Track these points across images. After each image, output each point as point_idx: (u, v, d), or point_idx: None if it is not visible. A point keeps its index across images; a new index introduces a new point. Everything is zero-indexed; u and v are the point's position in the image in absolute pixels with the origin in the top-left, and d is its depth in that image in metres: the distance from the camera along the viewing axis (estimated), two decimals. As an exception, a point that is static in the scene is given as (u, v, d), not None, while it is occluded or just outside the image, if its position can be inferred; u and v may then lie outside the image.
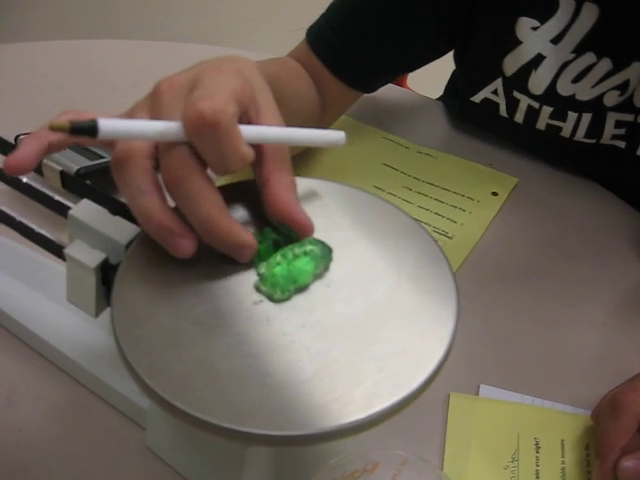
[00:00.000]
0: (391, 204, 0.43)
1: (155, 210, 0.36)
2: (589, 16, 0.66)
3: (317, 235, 0.39)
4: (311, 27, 0.75)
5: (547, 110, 0.73)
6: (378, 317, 0.36)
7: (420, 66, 0.79)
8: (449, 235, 0.70)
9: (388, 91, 0.88)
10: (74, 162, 0.66)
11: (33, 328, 0.55)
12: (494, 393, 0.57)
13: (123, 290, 0.37)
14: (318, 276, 0.38)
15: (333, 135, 0.43)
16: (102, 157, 0.68)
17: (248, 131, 0.37)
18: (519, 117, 0.76)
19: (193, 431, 0.45)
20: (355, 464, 0.41)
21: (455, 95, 0.86)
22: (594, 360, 0.61)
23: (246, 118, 0.38)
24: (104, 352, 0.53)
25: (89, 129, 0.33)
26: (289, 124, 0.41)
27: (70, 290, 0.43)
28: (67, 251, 0.42)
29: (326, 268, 0.38)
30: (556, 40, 0.68)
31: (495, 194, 0.75)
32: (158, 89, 0.38)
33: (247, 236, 0.37)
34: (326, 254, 0.38)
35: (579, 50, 0.68)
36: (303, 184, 0.44)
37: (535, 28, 0.69)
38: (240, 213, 0.41)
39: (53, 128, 0.33)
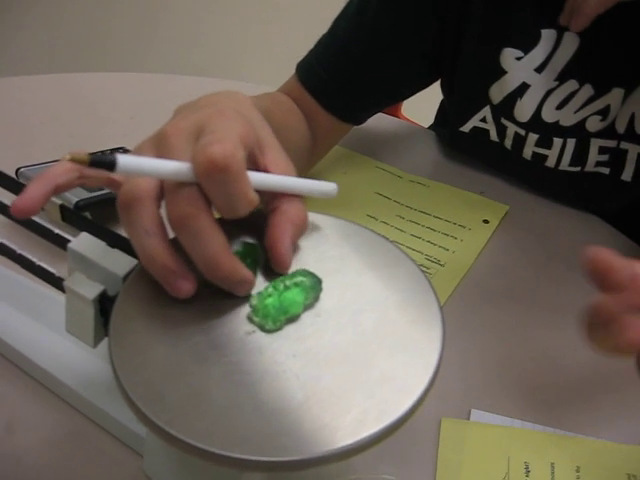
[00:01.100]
0: (380, 235, 0.44)
1: (159, 252, 0.37)
2: (570, 45, 0.69)
3: (307, 266, 0.41)
4: (301, 63, 0.78)
5: (533, 137, 0.75)
6: (366, 346, 0.38)
7: (408, 97, 0.82)
8: (441, 263, 0.71)
9: (381, 121, 0.90)
10: (73, 194, 0.68)
11: (32, 357, 0.56)
12: (485, 418, 0.58)
13: (120, 321, 0.39)
14: (308, 306, 0.39)
15: (326, 187, 0.45)
16: (101, 189, 0.70)
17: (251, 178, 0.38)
18: (508, 143, 0.78)
19: (189, 458, 0.47)
20: (347, 489, 0.42)
21: (445, 123, 0.88)
22: (583, 384, 0.62)
23: (252, 158, 0.40)
24: (102, 380, 0.54)
25: (108, 163, 0.34)
26: None
27: (69, 321, 0.45)
28: (66, 283, 0.43)
29: (316, 298, 0.40)
30: (540, 69, 0.71)
31: (486, 222, 0.77)
32: (164, 132, 0.40)
33: (247, 273, 0.38)
34: (316, 285, 0.40)
35: (562, 78, 0.71)
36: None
37: (519, 58, 0.71)
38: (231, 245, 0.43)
39: (74, 160, 0.34)
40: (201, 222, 0.37)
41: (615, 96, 0.70)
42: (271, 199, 0.41)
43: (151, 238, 0.37)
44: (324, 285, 0.40)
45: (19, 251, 0.48)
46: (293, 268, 0.41)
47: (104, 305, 0.43)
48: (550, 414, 0.59)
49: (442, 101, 0.97)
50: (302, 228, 0.41)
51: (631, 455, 0.56)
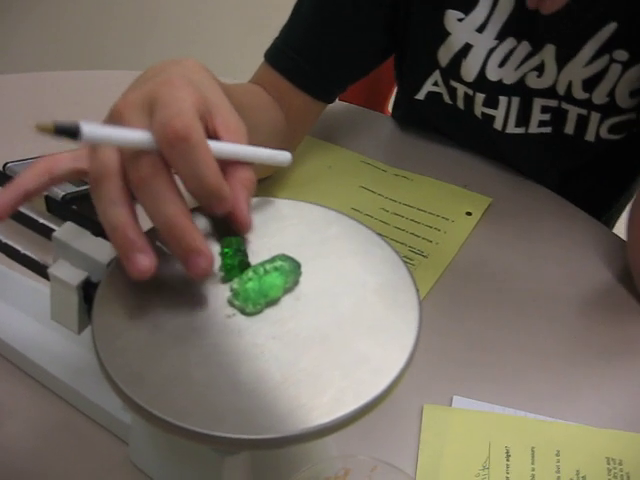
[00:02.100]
0: (359, 222, 0.45)
1: (123, 221, 0.38)
2: (506, 4, 0.73)
3: (287, 251, 0.42)
4: (268, 49, 0.80)
5: (480, 97, 0.79)
6: (344, 328, 0.39)
7: (373, 69, 0.85)
8: (424, 254, 0.72)
9: (366, 116, 0.91)
10: (60, 188, 0.68)
11: (19, 348, 0.57)
12: (467, 404, 0.59)
13: (103, 306, 0.39)
14: (288, 290, 0.40)
15: (280, 156, 0.47)
16: (86, 183, 0.70)
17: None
18: (460, 104, 0.82)
19: (174, 445, 0.47)
20: (327, 471, 0.43)
21: (399, 104, 0.93)
22: (563, 371, 0.63)
23: (203, 123, 0.40)
24: (88, 370, 0.55)
25: (72, 130, 0.35)
26: (250, 137, 0.43)
27: (54, 308, 0.45)
28: (51, 270, 0.44)
29: (296, 282, 0.41)
30: (480, 29, 0.75)
31: (469, 214, 0.78)
32: (116, 107, 0.40)
33: (203, 245, 0.38)
34: (295, 269, 0.41)
35: (501, 36, 0.75)
36: (275, 204, 0.46)
37: (461, 19, 0.75)
38: (213, 232, 0.43)
39: (39, 129, 0.35)
40: (160, 182, 0.37)
41: (548, 52, 0.75)
42: (222, 165, 0.41)
43: (116, 207, 0.38)
44: (304, 269, 0.41)
45: (4, 240, 0.49)
46: (273, 253, 0.42)
47: (88, 292, 0.43)
48: (531, 400, 0.59)
49: (396, 93, 1.01)
50: (252, 190, 0.42)
51: (609, 439, 0.57)
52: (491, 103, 0.79)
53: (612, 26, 0.71)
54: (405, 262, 0.43)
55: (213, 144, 0.39)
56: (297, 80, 0.78)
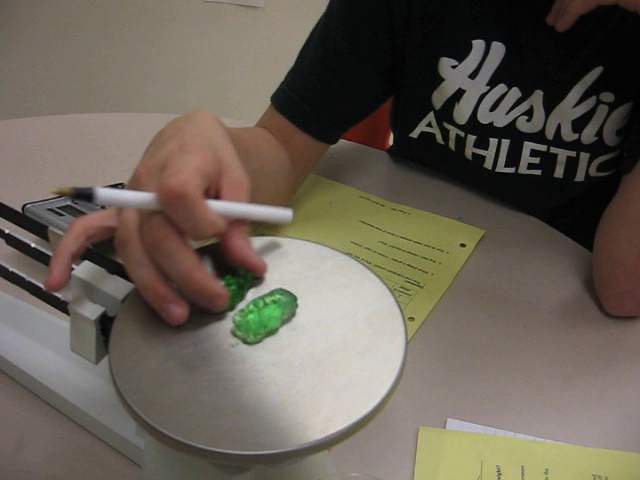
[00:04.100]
0: (352, 257, 0.49)
1: (151, 279, 0.42)
2: (497, 53, 0.78)
3: (285, 286, 0.46)
4: (274, 93, 0.85)
5: (472, 138, 0.84)
6: (336, 354, 0.42)
7: (374, 111, 0.90)
8: (420, 284, 0.76)
9: (364, 153, 0.96)
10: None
11: (40, 378, 0.61)
12: (460, 426, 0.63)
13: (119, 338, 0.43)
14: (285, 321, 0.44)
15: (281, 213, 0.51)
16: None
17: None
18: (451, 145, 0.87)
19: (185, 467, 0.51)
20: (325, 487, 0.47)
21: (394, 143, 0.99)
22: (552, 394, 0.66)
23: (213, 184, 0.45)
24: (103, 398, 0.59)
25: (88, 195, 0.40)
26: (255, 181, 0.48)
27: (73, 340, 0.50)
28: (71, 306, 0.48)
29: (292, 314, 0.45)
30: (473, 75, 0.80)
31: (463, 245, 0.82)
32: (137, 173, 0.45)
33: (220, 288, 0.43)
34: (292, 302, 0.45)
35: (492, 82, 0.80)
36: (273, 242, 0.51)
37: (454, 66, 0.80)
38: (208, 269, 0.48)
39: (58, 192, 0.40)
40: (171, 243, 0.41)
41: (537, 97, 0.79)
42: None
43: (143, 268, 0.42)
44: (300, 302, 0.45)
45: (27, 279, 0.53)
46: (272, 287, 0.46)
47: (105, 325, 0.47)
48: (521, 421, 0.63)
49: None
50: (249, 240, 0.46)
51: (596, 457, 0.61)
52: (482, 144, 0.84)
53: (598, 70, 0.76)
54: (393, 293, 0.47)
55: (217, 204, 0.43)
56: (301, 123, 0.83)
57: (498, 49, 0.78)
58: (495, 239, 0.83)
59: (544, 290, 0.77)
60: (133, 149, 0.95)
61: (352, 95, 0.85)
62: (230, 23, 2.27)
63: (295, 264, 0.48)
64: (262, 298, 0.45)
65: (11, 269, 0.55)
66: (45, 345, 0.63)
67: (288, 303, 0.44)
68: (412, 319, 0.71)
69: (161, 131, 0.50)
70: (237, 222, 0.45)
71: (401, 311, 0.45)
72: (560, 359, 0.69)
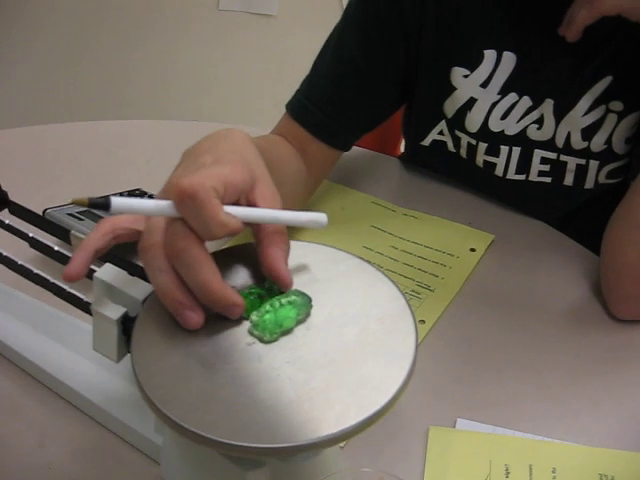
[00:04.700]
0: (364, 260, 0.51)
1: (170, 286, 0.44)
2: (508, 63, 0.80)
3: (300, 287, 0.48)
4: (289, 102, 0.87)
5: (483, 146, 0.85)
6: (349, 353, 0.44)
7: (387, 118, 0.92)
8: (431, 288, 0.78)
9: (376, 160, 0.98)
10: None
11: (61, 377, 0.63)
12: (470, 426, 0.64)
13: (141, 337, 0.45)
14: (300, 321, 0.46)
15: (315, 216, 0.52)
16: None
17: (236, 211, 0.45)
18: (463, 152, 0.88)
19: (202, 462, 0.53)
20: (338, 482, 0.48)
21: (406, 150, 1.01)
22: (560, 395, 0.67)
23: (244, 196, 0.47)
24: (123, 397, 0.61)
25: (103, 204, 0.42)
26: (278, 189, 0.49)
27: (96, 340, 0.51)
28: (93, 306, 0.50)
29: (307, 314, 0.47)
30: (484, 85, 0.81)
31: (473, 250, 0.83)
32: (168, 184, 0.47)
33: (237, 298, 0.45)
34: (307, 303, 0.47)
35: (504, 91, 0.81)
36: (291, 247, 0.52)
37: (466, 76, 0.82)
38: (231, 273, 0.49)
39: (76, 202, 0.42)
40: (192, 253, 0.43)
41: (547, 106, 0.81)
42: (258, 231, 0.48)
43: (163, 275, 0.44)
44: (315, 303, 0.47)
45: (52, 280, 0.55)
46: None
47: (126, 325, 0.49)
48: (529, 421, 0.64)
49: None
50: (288, 250, 0.48)
51: (603, 457, 0.62)
52: (493, 152, 0.85)
53: (607, 79, 0.77)
54: (404, 295, 0.48)
55: (253, 211, 0.46)
56: (316, 131, 0.85)
57: (509, 59, 0.80)
58: (505, 244, 0.85)
59: (553, 294, 0.79)
60: (150, 155, 0.98)
61: (366, 103, 0.86)
62: (243, 31, 2.30)
63: (310, 267, 0.50)
64: (278, 299, 0.46)
65: (35, 270, 0.57)
66: (66, 346, 0.65)
67: (303, 304, 0.46)
68: (423, 322, 0.73)
69: (195, 146, 0.51)
70: (278, 233, 0.47)
71: (412, 312, 0.47)
72: (568, 361, 0.71)
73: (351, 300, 0.48)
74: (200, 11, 2.30)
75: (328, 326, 0.46)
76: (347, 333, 0.45)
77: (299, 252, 0.51)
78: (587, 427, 0.64)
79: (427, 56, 0.83)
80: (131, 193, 0.85)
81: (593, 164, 0.83)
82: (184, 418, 0.40)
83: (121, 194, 0.85)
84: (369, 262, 0.51)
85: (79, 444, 0.61)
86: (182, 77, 2.35)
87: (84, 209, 0.81)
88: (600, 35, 0.76)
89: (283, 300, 0.46)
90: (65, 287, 0.55)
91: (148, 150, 0.99)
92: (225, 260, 0.49)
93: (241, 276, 0.49)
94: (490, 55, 0.80)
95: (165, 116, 1.06)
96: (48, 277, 0.56)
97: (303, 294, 0.47)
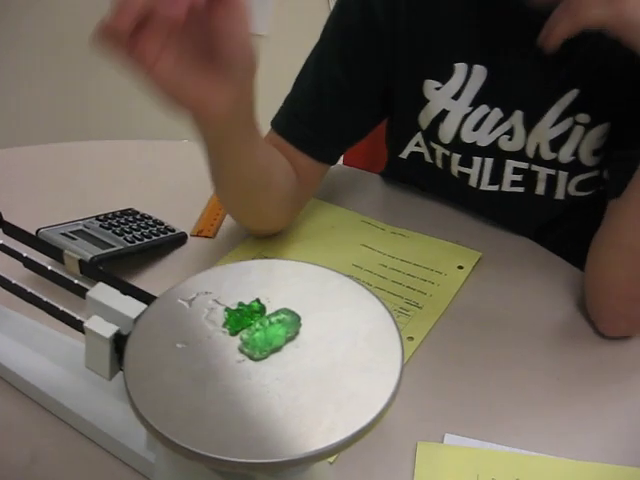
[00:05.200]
0: (351, 278, 0.52)
1: None
2: (479, 76, 0.82)
3: (290, 306, 0.49)
4: (274, 120, 0.89)
5: (456, 157, 0.88)
6: (337, 370, 0.45)
7: (370, 131, 0.94)
8: (419, 305, 0.79)
9: (365, 178, 0.99)
10: (89, 251, 0.76)
11: (54, 395, 0.64)
12: (457, 441, 0.65)
13: (133, 354, 0.46)
14: (290, 339, 0.47)
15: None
16: (112, 246, 0.78)
17: None
18: (439, 163, 0.91)
19: (194, 479, 0.53)
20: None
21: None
22: (546, 409, 0.69)
23: None
24: (115, 414, 0.61)
25: None
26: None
27: (88, 357, 0.52)
28: (86, 325, 0.51)
29: (296, 332, 0.48)
30: (456, 97, 0.84)
31: (461, 267, 0.84)
32: None
33: None
34: (296, 321, 0.48)
35: (475, 103, 0.84)
36: (280, 265, 0.53)
37: (438, 88, 0.84)
38: (226, 287, 0.50)
39: None
40: None
41: (517, 117, 0.83)
42: None
43: None
44: (304, 320, 0.48)
45: (45, 299, 0.56)
46: (278, 307, 0.49)
47: (118, 343, 0.50)
48: (516, 436, 0.65)
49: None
50: None
51: (589, 471, 0.63)
52: (466, 162, 0.88)
53: (574, 92, 0.80)
54: (391, 312, 0.50)
55: None
56: (302, 145, 0.87)
57: (480, 72, 0.82)
58: (491, 261, 0.86)
59: (538, 311, 0.80)
60: (143, 174, 0.99)
61: (349, 117, 0.89)
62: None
63: (299, 285, 0.51)
64: (268, 317, 0.47)
65: (29, 290, 0.58)
66: (59, 363, 0.65)
67: (292, 322, 0.47)
68: (411, 339, 0.74)
69: None
70: None
71: (398, 330, 0.48)
72: (555, 376, 0.72)
73: (339, 318, 0.49)
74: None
75: (316, 344, 0.47)
76: (335, 350, 0.47)
77: (288, 271, 0.52)
78: (573, 441, 0.65)
79: (402, 69, 0.86)
80: (124, 213, 0.86)
81: (562, 175, 0.85)
82: (175, 434, 0.41)
83: (114, 213, 0.86)
84: (357, 280, 0.52)
85: (71, 461, 0.62)
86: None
87: (77, 229, 0.82)
88: (565, 47, 0.78)
89: (272, 319, 0.47)
90: (58, 306, 0.56)
91: (140, 169, 1.00)
92: (223, 275, 0.50)
93: (235, 292, 0.50)
94: (461, 68, 0.82)
95: (156, 136, 1.08)
96: (41, 296, 0.57)
97: (292, 312, 0.48)
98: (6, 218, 0.62)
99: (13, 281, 0.60)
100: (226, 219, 0.91)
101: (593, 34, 0.69)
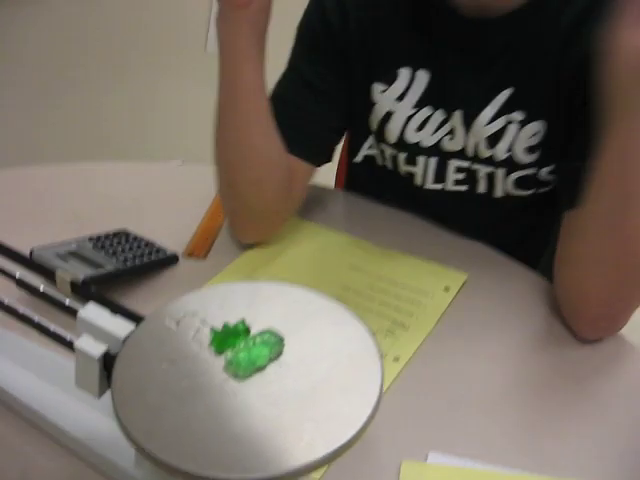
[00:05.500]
0: (333, 300, 0.54)
1: None
2: (422, 80, 0.87)
3: (275, 326, 0.50)
4: None
5: (402, 156, 0.92)
6: (318, 389, 0.47)
7: (344, 131, 0.98)
8: (406, 326, 0.80)
9: (355, 202, 1.01)
10: (80, 272, 0.77)
11: (45, 413, 0.65)
12: (441, 459, 0.66)
13: (121, 373, 0.48)
14: (273, 359, 0.49)
15: None
16: (104, 267, 0.80)
17: None
18: (388, 164, 0.95)
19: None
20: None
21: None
22: (531, 428, 0.70)
23: None
24: (104, 431, 0.62)
25: None
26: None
27: (78, 376, 0.54)
28: (76, 344, 0.52)
29: (279, 353, 0.49)
30: (400, 98, 0.88)
31: (447, 289, 0.86)
32: None
33: None
34: (279, 342, 0.49)
35: (419, 105, 0.88)
36: (264, 287, 0.55)
37: (384, 90, 0.88)
38: (218, 305, 0.52)
39: None
40: None
41: (457, 117, 0.87)
42: None
43: None
44: (287, 341, 0.50)
45: (37, 319, 0.58)
46: (262, 328, 0.50)
47: (107, 362, 0.52)
48: (499, 454, 0.67)
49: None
50: None
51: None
52: (411, 161, 0.92)
53: (508, 91, 0.83)
54: (372, 334, 0.51)
55: None
56: (287, 145, 0.89)
57: (423, 76, 0.86)
58: (477, 283, 0.87)
59: (521, 330, 0.81)
60: (135, 195, 1.01)
61: (327, 116, 0.92)
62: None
63: (283, 307, 0.53)
64: (252, 338, 0.49)
65: (22, 310, 0.59)
66: (50, 382, 0.67)
67: (275, 343, 0.49)
68: (397, 359, 0.75)
69: None
70: None
71: (379, 351, 0.50)
72: (538, 394, 0.73)
73: (321, 339, 0.51)
74: (188, 53, 2.36)
75: (299, 364, 0.49)
76: (317, 370, 0.48)
77: (273, 293, 0.54)
78: (556, 459, 0.67)
79: (356, 72, 0.90)
80: (116, 234, 0.88)
81: (500, 172, 0.89)
82: (161, 451, 0.43)
83: (107, 235, 0.88)
84: (339, 302, 0.54)
85: (61, 478, 0.63)
86: (168, 118, 2.39)
87: (70, 249, 0.83)
88: (495, 47, 0.83)
89: (257, 339, 0.49)
90: (49, 326, 0.57)
91: (134, 191, 1.02)
92: (211, 296, 0.52)
93: (222, 313, 0.52)
94: (405, 73, 0.87)
95: (150, 156, 1.10)
96: (34, 317, 0.58)
97: (276, 334, 0.50)
98: (0, 238, 0.63)
99: (6, 301, 0.61)
100: (217, 241, 0.93)
101: (524, 33, 0.74)
